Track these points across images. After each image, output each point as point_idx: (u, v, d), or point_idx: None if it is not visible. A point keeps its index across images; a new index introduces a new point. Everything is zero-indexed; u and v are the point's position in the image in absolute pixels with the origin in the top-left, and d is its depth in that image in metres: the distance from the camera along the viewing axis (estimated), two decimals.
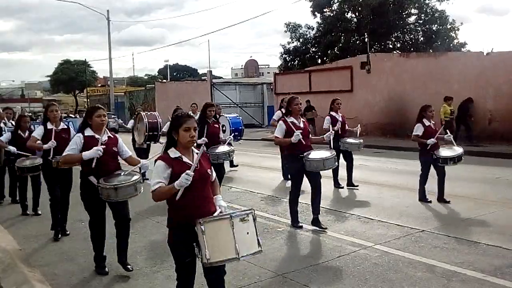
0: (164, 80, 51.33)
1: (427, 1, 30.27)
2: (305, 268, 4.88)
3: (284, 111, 6.66)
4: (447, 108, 15.27)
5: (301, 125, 6.29)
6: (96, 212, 4.81)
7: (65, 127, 6.41)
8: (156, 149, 11.15)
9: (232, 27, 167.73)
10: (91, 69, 60.16)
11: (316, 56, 32.84)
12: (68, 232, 6.40)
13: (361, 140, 9.06)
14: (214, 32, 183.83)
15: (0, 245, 5.83)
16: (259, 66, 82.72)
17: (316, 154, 6.29)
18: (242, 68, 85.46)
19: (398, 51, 28.91)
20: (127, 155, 4.99)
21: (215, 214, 3.27)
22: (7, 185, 8.83)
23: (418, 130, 7.69)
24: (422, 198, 7.70)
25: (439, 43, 29.60)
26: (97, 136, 4.75)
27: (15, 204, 8.34)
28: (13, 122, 9.07)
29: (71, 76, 57.00)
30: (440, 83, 17.29)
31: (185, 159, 3.30)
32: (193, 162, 3.24)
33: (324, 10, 31.70)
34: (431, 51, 27.50)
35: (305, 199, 6.81)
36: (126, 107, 39.02)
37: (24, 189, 7.91)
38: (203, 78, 43.65)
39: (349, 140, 8.96)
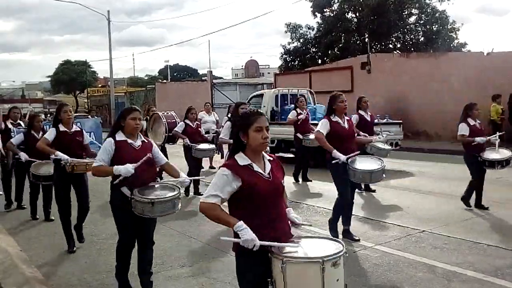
0: (165, 81, 51.31)
1: (427, 1, 30.30)
2: None
3: (326, 110, 5.93)
4: (497, 107, 14.38)
5: (346, 125, 5.68)
6: (129, 231, 4.20)
7: (78, 129, 5.94)
8: (173, 150, 11.22)
9: (232, 28, 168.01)
10: (92, 69, 60.27)
11: (317, 56, 32.85)
12: (83, 241, 5.95)
13: (390, 147, 8.64)
14: (214, 33, 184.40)
15: (0, 246, 5.83)
16: (260, 67, 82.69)
17: (363, 163, 5.59)
18: (242, 68, 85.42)
19: (398, 51, 28.90)
20: (162, 162, 4.41)
21: (294, 237, 2.75)
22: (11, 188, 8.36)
23: (463, 130, 7.01)
24: (466, 201, 7.21)
25: (439, 43, 29.59)
26: (129, 141, 4.18)
27: (20, 209, 8.06)
28: (21, 122, 8.79)
29: (72, 77, 57.05)
30: (440, 83, 17.30)
31: (256, 167, 2.72)
32: (264, 171, 2.74)
33: (324, 10, 31.72)
34: (431, 51, 27.48)
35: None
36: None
37: (35, 196, 7.30)
38: (203, 78, 43.65)
39: (379, 144, 8.00)
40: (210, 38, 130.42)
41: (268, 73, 67.92)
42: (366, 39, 26.69)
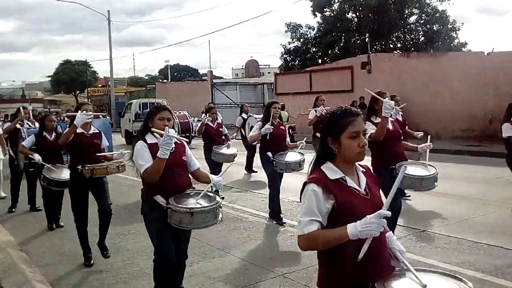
0: (165, 80, 51.34)
1: (427, 1, 30.31)
2: (306, 268, 4.88)
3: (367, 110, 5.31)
4: None
5: (391, 126, 5.07)
6: (168, 244, 3.67)
7: (97, 131, 5.34)
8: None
9: (232, 27, 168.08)
10: (92, 69, 60.38)
11: (317, 56, 32.88)
12: (108, 255, 5.29)
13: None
14: (214, 32, 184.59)
15: (0, 245, 5.83)
16: (260, 66, 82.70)
17: (413, 169, 5.12)
18: (242, 68, 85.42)
19: (398, 51, 28.91)
20: (195, 168, 3.87)
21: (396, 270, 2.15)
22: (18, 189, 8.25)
23: (509, 131, 6.62)
24: None
25: (439, 43, 29.61)
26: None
27: (23, 207, 8.06)
28: (29, 123, 8.52)
29: (72, 77, 57.16)
30: (440, 83, 17.29)
31: (349, 181, 2.16)
32: (360, 186, 2.19)
33: (325, 10, 31.75)
34: (431, 51, 27.50)
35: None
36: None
37: (48, 200, 6.81)
38: (203, 78, 43.63)
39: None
40: (210, 38, 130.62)
41: (269, 72, 67.95)
42: (367, 39, 26.70)
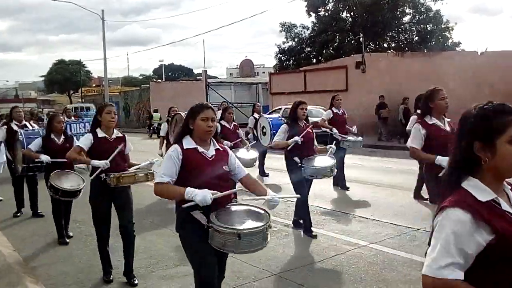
0: (159, 80, 51.23)
1: (421, 1, 30.42)
2: (301, 267, 4.88)
3: (420, 109, 4.87)
4: None
5: (447, 127, 4.55)
6: (211, 265, 3.11)
7: (120, 134, 4.77)
8: None
9: (227, 27, 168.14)
10: (86, 69, 60.22)
11: (311, 56, 32.93)
12: (136, 282, 4.66)
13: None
14: (209, 32, 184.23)
15: None
16: (254, 66, 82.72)
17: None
18: (237, 67, 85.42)
19: (393, 51, 28.99)
20: (243, 175, 3.33)
21: None
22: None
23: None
24: None
25: (433, 42, 29.73)
26: (200, 149, 3.14)
27: (12, 206, 7.84)
28: (27, 123, 8.12)
29: (66, 76, 57.00)
30: (434, 82, 17.18)
31: (504, 205, 1.56)
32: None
33: (319, 9, 31.79)
34: (425, 50, 27.60)
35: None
36: (121, 107, 38.91)
37: (58, 210, 6.05)
38: (198, 78, 43.60)
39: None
40: (205, 38, 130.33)
41: (263, 72, 67.98)
42: (361, 39, 26.75)
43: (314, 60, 31.64)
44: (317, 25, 31.94)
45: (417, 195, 7.73)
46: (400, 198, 8.02)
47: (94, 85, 64.90)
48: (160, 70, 70.31)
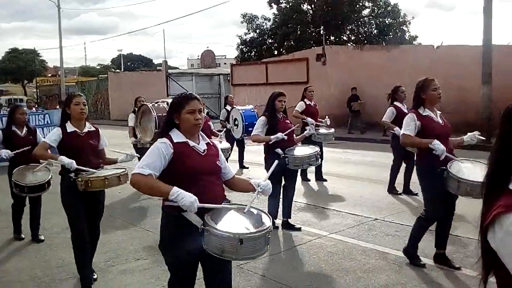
0: (118, 70, 50.16)
1: None
2: (262, 258, 4.90)
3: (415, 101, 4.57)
4: None
5: (440, 120, 4.47)
6: (188, 275, 2.94)
7: (93, 128, 4.39)
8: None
9: (188, 17, 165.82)
10: (41, 58, 58.23)
11: (273, 48, 33.04)
12: (95, 277, 4.49)
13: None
14: (169, 22, 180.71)
15: None
16: (216, 57, 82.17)
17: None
18: (198, 58, 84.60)
19: (352, 44, 29.44)
20: (230, 176, 3.06)
21: None
22: None
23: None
24: None
25: (391, 36, 30.39)
26: (191, 143, 2.86)
27: None
28: None
29: (20, 65, 54.91)
30: (392, 75, 17.70)
31: None
32: None
33: (280, 1, 31.91)
34: (384, 43, 28.16)
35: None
36: None
37: (19, 210, 5.83)
38: (158, 68, 42.93)
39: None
40: (165, 27, 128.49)
41: (225, 63, 67.57)
42: (321, 31, 27.02)
43: (276, 52, 31.77)
44: (278, 16, 32.05)
45: (391, 189, 7.67)
46: (359, 189, 8.18)
47: (49, 75, 62.87)
48: (119, 60, 68.96)
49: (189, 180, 2.71)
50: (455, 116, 16.00)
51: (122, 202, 7.44)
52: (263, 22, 33.16)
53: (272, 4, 32.09)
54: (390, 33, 30.72)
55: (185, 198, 2.54)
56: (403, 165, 7.55)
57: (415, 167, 4.78)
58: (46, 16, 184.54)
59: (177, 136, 2.84)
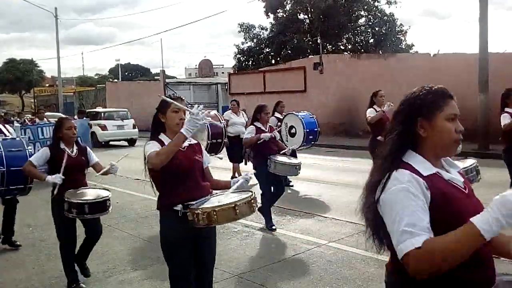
0: (115, 80, 50.20)
1: (376, 4, 31.18)
2: (261, 267, 4.89)
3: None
4: None
5: None
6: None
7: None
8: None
9: (185, 27, 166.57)
10: (38, 68, 58.19)
11: (270, 57, 33.14)
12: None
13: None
14: (167, 31, 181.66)
15: None
16: (213, 66, 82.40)
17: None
18: (196, 68, 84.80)
19: (349, 52, 29.57)
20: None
21: None
22: None
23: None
24: None
25: (388, 44, 30.53)
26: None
27: None
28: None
29: (17, 76, 54.86)
30: (389, 83, 17.77)
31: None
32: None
33: (277, 10, 32.06)
34: (380, 52, 28.29)
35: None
36: (76, 107, 37.91)
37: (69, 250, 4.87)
38: (156, 78, 43.01)
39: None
40: (162, 37, 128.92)
41: (222, 72, 67.74)
42: (318, 40, 27.15)
43: (273, 61, 31.86)
44: (275, 26, 32.19)
45: None
46: (357, 197, 8.14)
47: (47, 85, 62.86)
48: (116, 70, 69.00)
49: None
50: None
51: (120, 212, 7.41)
52: (260, 32, 33.26)
53: (269, 13, 32.22)
54: (387, 42, 30.85)
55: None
56: None
57: None
58: (44, 26, 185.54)
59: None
